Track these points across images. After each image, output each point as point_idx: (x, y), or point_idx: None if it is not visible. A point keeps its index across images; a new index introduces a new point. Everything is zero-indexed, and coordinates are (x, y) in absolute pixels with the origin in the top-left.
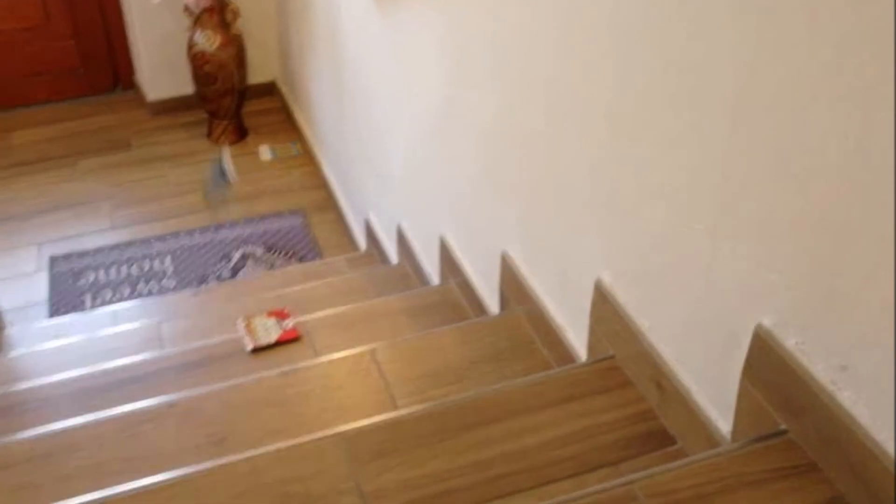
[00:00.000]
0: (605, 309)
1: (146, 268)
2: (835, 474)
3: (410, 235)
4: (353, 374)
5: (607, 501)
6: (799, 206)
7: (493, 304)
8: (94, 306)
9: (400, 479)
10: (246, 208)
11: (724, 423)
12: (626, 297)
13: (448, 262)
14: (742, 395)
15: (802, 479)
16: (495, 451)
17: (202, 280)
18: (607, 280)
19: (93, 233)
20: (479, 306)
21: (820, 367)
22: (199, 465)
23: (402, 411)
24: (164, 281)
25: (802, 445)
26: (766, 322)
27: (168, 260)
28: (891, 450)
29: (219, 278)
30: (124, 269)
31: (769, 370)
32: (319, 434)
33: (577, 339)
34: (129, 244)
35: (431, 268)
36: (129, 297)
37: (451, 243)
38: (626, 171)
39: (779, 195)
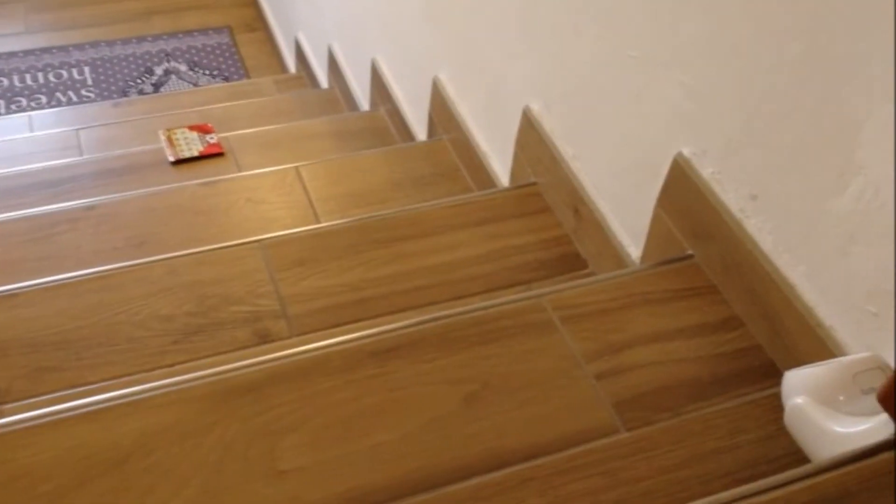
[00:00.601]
0: (530, 136)
1: (64, 77)
2: (733, 296)
3: (341, 58)
4: (276, 189)
5: (515, 311)
6: (730, 32)
7: (421, 132)
8: (7, 112)
9: (318, 287)
10: (170, 21)
11: (634, 250)
12: (553, 125)
13: (379, 86)
14: (654, 223)
15: (702, 300)
16: (411, 265)
17: (123, 93)
18: (535, 107)
19: (6, 35)
20: (407, 133)
21: (731, 196)
22: (117, 264)
23: (323, 224)
24: (83, 91)
25: (706, 270)
26: (686, 151)
27: (87, 70)
28: (788, 273)
29: (140, 93)
30: (41, 76)
31: (683, 198)
32: (240, 241)
33: (501, 167)
34: (45, 50)
35: (362, 93)
36: (46, 106)
37: (383, 67)
38: None
39: (713, 20)
